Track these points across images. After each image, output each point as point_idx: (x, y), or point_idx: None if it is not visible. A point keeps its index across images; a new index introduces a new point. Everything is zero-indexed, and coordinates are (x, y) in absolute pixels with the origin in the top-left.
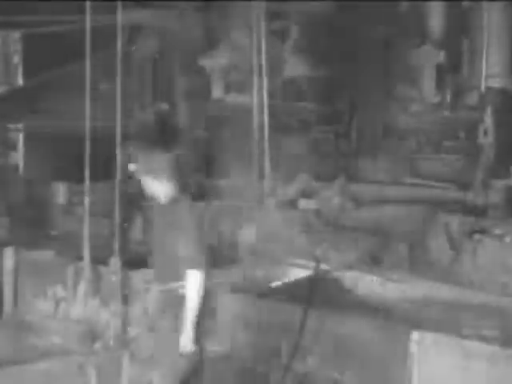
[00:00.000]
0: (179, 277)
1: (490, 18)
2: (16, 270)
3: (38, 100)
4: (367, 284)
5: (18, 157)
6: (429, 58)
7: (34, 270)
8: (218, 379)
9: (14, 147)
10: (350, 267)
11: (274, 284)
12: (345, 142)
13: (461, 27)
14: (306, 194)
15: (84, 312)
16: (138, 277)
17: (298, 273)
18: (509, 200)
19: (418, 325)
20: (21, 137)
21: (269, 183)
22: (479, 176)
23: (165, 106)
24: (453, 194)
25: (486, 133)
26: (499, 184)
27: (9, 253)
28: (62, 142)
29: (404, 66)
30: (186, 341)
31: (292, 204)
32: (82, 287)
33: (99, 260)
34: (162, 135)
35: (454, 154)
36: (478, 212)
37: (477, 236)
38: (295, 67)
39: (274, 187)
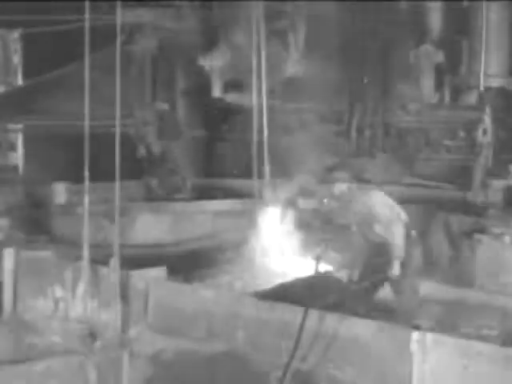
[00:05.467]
0: None
1: (489, 18)
2: (16, 270)
3: (38, 100)
4: None
5: (18, 157)
6: (428, 58)
7: (34, 270)
8: (218, 378)
9: (13, 148)
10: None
11: (274, 283)
12: (345, 141)
13: (460, 27)
14: (306, 194)
15: (84, 311)
16: (138, 276)
17: (298, 272)
18: (508, 199)
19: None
20: (20, 137)
21: (268, 183)
22: (478, 175)
23: (164, 106)
24: (452, 193)
25: (484, 132)
26: (498, 183)
27: (8, 253)
28: (62, 143)
29: (403, 66)
30: None
31: (291, 203)
32: (82, 287)
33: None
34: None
35: (454, 154)
36: (478, 211)
37: (476, 235)
38: (296, 66)
39: (273, 186)
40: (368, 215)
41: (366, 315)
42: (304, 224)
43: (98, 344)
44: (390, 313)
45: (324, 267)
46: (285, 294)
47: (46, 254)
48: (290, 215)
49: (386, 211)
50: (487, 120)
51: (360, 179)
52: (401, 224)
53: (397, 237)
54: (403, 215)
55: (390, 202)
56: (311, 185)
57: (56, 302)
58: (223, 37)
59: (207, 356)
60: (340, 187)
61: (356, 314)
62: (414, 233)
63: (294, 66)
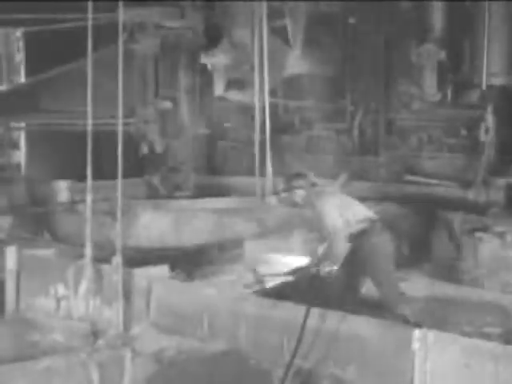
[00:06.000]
0: None
1: (491, 16)
2: (18, 268)
3: (40, 99)
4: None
5: (20, 155)
6: (430, 56)
7: (36, 268)
8: (220, 376)
9: (15, 146)
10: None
11: (276, 282)
12: (347, 139)
13: (462, 26)
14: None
15: (86, 310)
16: (140, 274)
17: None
18: (510, 198)
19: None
20: (23, 135)
21: (270, 181)
22: (480, 174)
23: (167, 104)
24: (454, 191)
25: (487, 131)
26: (500, 182)
27: (11, 251)
28: (64, 141)
29: (405, 64)
30: None
31: (293, 201)
32: (84, 285)
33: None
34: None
35: (456, 152)
36: (480, 210)
37: (478, 234)
38: (297, 65)
39: (275, 185)
40: (317, 220)
41: (355, 310)
42: (304, 221)
43: (100, 342)
44: (378, 308)
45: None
46: (287, 292)
47: (48, 252)
48: (292, 213)
49: (334, 216)
50: (489, 118)
51: (361, 177)
52: (343, 233)
53: (337, 245)
54: (361, 213)
55: (346, 201)
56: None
57: (58, 300)
58: (225, 35)
59: (209, 354)
60: (299, 195)
61: (344, 309)
62: (380, 225)
63: (295, 65)
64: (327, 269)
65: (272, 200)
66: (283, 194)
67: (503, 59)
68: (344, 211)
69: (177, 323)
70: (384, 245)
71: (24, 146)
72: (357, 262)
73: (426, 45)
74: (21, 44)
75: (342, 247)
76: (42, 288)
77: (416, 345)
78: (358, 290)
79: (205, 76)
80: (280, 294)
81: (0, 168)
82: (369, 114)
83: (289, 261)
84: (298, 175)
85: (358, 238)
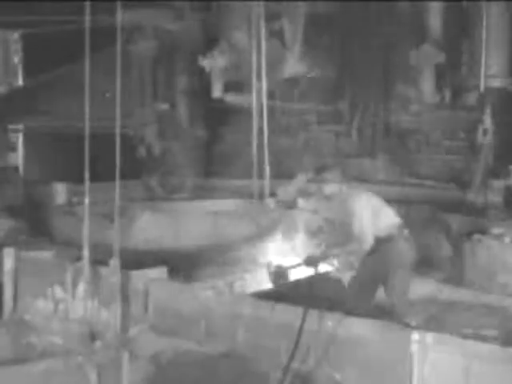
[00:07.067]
0: None
1: (490, 18)
2: (16, 270)
3: (38, 101)
4: None
5: (18, 157)
6: (428, 58)
7: (34, 270)
8: (217, 379)
9: (13, 148)
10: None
11: (275, 284)
12: (345, 141)
13: (460, 27)
14: (305, 194)
15: (84, 312)
16: (138, 276)
17: (299, 272)
18: (508, 200)
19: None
20: (20, 137)
21: (268, 183)
22: (478, 176)
23: (165, 106)
24: (452, 193)
25: (485, 133)
26: (498, 184)
27: (8, 253)
28: (62, 143)
29: (404, 66)
30: None
31: (291, 203)
32: (82, 287)
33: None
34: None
35: (454, 154)
36: (478, 212)
37: (476, 236)
38: (296, 67)
39: (273, 187)
40: (347, 217)
41: (366, 315)
42: (304, 224)
43: (97, 344)
44: (387, 313)
45: (324, 267)
46: (285, 294)
47: (46, 254)
48: (290, 215)
49: (364, 216)
50: (487, 120)
51: (359, 179)
52: (370, 234)
53: (361, 246)
54: (390, 217)
55: (378, 203)
56: (306, 184)
57: (56, 302)
58: (223, 37)
59: (207, 356)
60: (331, 188)
61: (355, 314)
62: (406, 232)
63: (293, 67)
64: (347, 274)
65: (270, 201)
66: (311, 186)
67: (501, 61)
68: (375, 213)
69: (174, 325)
70: (408, 252)
71: (22, 148)
72: (378, 266)
73: (425, 46)
74: (19, 46)
75: (366, 249)
76: (40, 290)
77: (414, 346)
78: (373, 295)
79: (203, 78)
80: (279, 295)
81: None
82: (367, 116)
83: (287, 262)
84: (330, 167)
85: (383, 243)
